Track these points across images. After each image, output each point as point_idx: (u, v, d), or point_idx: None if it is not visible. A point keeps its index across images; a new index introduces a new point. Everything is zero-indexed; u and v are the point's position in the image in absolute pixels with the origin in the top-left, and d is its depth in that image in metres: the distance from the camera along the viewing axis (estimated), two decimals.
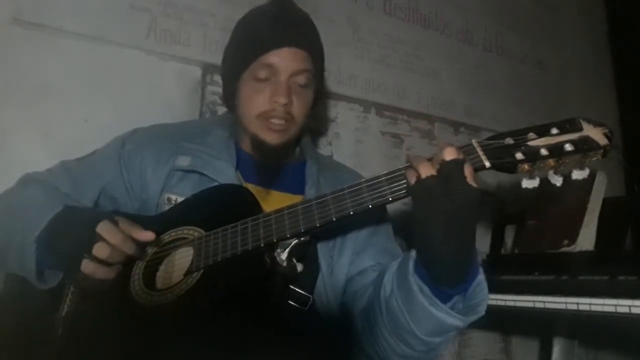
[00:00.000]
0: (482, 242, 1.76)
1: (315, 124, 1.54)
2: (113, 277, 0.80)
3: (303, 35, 1.02)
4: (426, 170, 0.72)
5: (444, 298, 0.76)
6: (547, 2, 2.31)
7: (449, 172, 0.71)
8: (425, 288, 0.76)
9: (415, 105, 1.81)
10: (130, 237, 0.81)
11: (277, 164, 1.04)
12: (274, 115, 0.98)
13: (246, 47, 1.00)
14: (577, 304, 1.13)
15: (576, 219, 1.37)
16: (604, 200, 1.37)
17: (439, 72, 1.90)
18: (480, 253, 1.75)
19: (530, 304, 1.23)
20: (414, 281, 0.76)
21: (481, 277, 0.78)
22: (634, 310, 1.03)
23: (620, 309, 1.05)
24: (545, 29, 2.27)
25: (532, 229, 1.51)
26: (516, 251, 1.55)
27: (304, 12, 1.06)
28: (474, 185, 0.70)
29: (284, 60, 0.97)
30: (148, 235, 0.83)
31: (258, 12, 1.05)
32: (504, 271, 1.42)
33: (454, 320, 0.76)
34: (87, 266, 0.78)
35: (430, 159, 0.75)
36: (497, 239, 1.66)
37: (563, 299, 1.16)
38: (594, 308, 1.10)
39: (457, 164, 0.70)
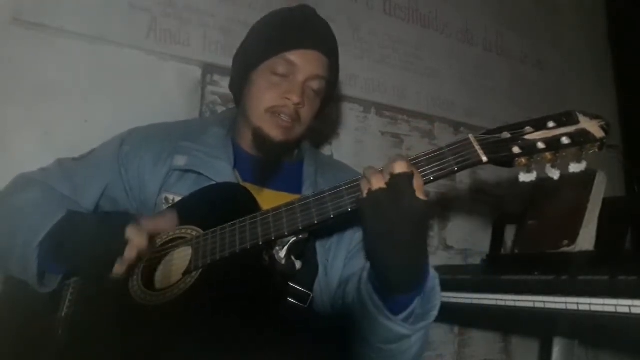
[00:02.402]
0: (482, 242, 1.76)
1: (319, 125, 1.54)
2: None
3: (329, 43, 1.04)
4: (377, 182, 0.72)
5: (400, 306, 0.77)
6: (547, 2, 2.31)
7: (398, 185, 0.71)
8: (375, 297, 0.78)
9: (415, 105, 1.81)
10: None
11: (275, 162, 1.04)
12: (283, 111, 0.99)
13: (272, 40, 1.01)
14: (577, 304, 1.13)
15: (576, 219, 1.37)
16: (604, 200, 1.37)
17: (439, 72, 1.89)
18: (480, 253, 1.75)
19: (530, 304, 1.23)
20: (366, 290, 0.79)
21: (434, 282, 0.79)
22: (634, 310, 1.02)
23: (620, 309, 1.04)
24: (545, 29, 2.27)
25: (532, 229, 1.51)
26: (516, 251, 1.55)
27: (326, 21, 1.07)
28: (422, 197, 0.71)
29: (306, 62, 0.99)
30: (170, 221, 0.85)
31: (286, 13, 1.06)
32: (504, 271, 1.41)
33: (400, 328, 0.77)
34: (118, 269, 0.79)
35: (381, 171, 0.75)
36: (497, 239, 1.66)
37: (563, 299, 1.16)
38: (594, 308, 1.09)
39: (406, 177, 0.71)
